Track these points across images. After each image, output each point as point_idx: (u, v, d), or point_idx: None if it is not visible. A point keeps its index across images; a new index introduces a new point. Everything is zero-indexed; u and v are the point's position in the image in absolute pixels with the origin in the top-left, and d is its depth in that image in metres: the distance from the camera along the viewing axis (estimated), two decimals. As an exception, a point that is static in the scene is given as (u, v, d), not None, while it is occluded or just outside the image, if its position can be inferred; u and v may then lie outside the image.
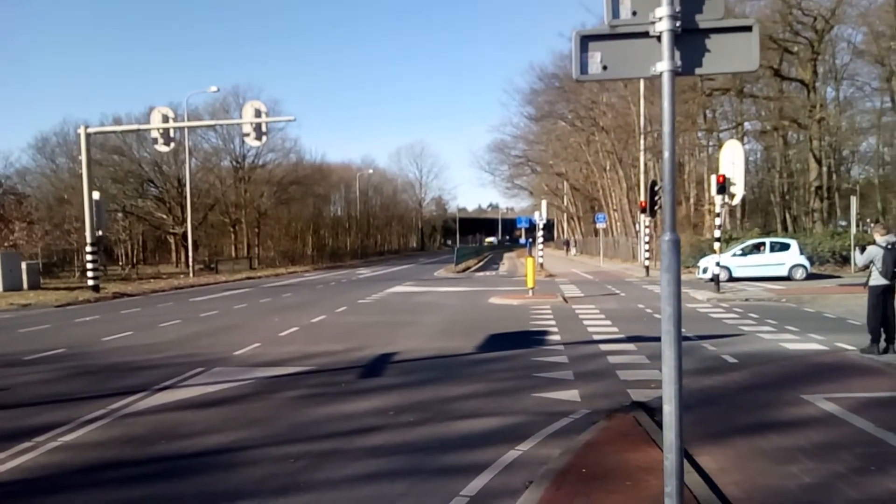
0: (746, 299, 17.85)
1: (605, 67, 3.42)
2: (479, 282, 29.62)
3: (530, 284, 19.61)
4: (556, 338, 11.95)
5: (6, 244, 34.82)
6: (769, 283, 22.44)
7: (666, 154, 3.24)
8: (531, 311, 16.41)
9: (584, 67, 3.41)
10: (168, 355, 10.96)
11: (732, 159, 18.22)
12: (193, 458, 5.70)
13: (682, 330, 11.72)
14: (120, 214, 58.90)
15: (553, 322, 14.11)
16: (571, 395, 7.67)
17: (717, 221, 19.81)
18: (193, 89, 79.52)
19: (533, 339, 11.92)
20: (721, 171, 18.32)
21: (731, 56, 3.39)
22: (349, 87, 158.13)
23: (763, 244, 25.29)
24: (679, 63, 3.33)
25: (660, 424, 6.43)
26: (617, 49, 3.43)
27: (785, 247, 24.94)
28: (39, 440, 6.18)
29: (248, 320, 16.01)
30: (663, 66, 3.31)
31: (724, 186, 18.01)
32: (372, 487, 4.90)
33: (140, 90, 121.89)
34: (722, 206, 18.70)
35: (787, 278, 23.76)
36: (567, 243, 79.33)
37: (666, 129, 3.25)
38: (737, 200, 18.37)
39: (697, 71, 3.43)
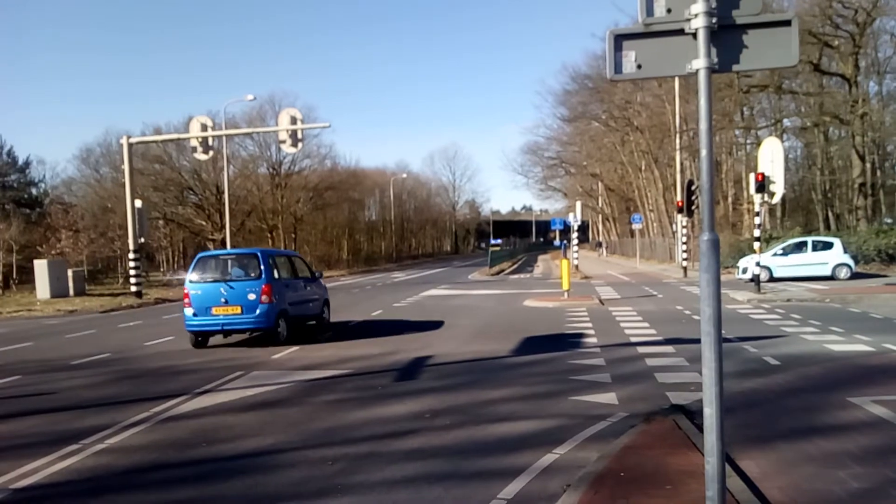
0: (788, 300, 17.44)
1: (639, 66, 3.38)
2: (514, 284, 29.52)
3: (565, 286, 19.48)
4: (593, 340, 11.83)
5: (53, 252, 35.85)
6: (812, 283, 21.90)
7: (703, 152, 3.19)
8: (567, 313, 16.28)
9: (618, 67, 3.38)
10: (208, 360, 11.16)
11: (772, 157, 17.85)
12: (233, 460, 5.78)
13: (723, 331, 11.55)
14: (161, 222, 60.27)
15: (589, 324, 13.98)
16: (609, 398, 7.59)
17: (757, 220, 19.39)
18: (231, 98, 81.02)
19: (569, 341, 11.83)
20: (760, 169, 17.95)
21: (769, 51, 3.32)
22: (383, 91, 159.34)
23: (805, 243, 24.70)
24: (715, 60, 3.28)
25: (700, 428, 6.32)
26: (651, 47, 3.39)
27: (828, 245, 24.31)
28: (86, 442, 6.34)
29: (285, 324, 16.18)
30: (699, 63, 3.26)
31: (763, 185, 17.65)
32: (409, 490, 4.91)
33: (179, 101, 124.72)
34: (761, 204, 18.33)
35: (831, 278, 23.15)
36: (599, 244, 78.65)
37: (703, 126, 3.19)
38: (776, 199, 17.98)
39: (735, 68, 3.37)
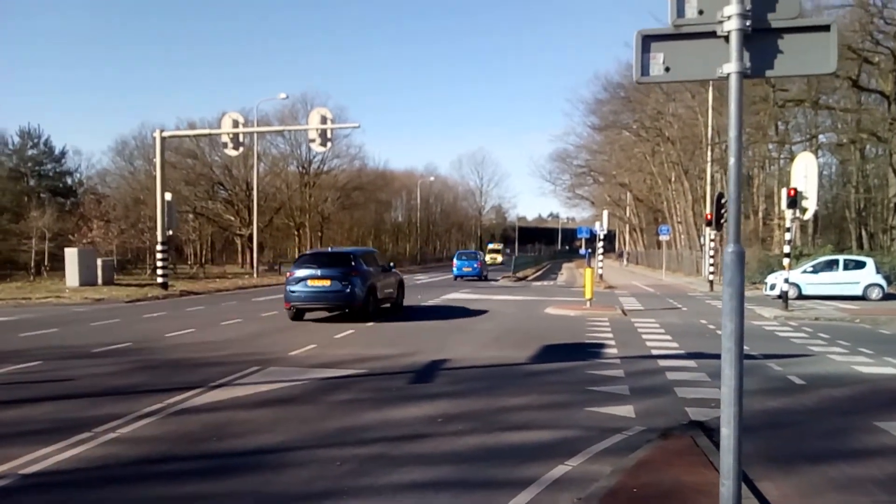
0: (816, 318, 17.03)
1: (667, 69, 3.26)
2: (536, 291, 29.31)
3: (588, 295, 19.25)
4: (613, 351, 11.64)
5: (84, 241, 36.49)
6: (842, 303, 21.37)
7: (731, 160, 3.06)
8: (588, 322, 16.08)
9: (645, 69, 3.26)
10: (226, 353, 11.19)
11: (805, 172, 17.46)
12: (242, 456, 5.75)
13: (746, 348, 11.19)
14: (191, 215, 61.11)
15: (610, 335, 13.77)
16: (626, 410, 7.42)
17: (787, 236, 18.96)
18: (264, 97, 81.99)
19: (589, 351, 11.65)
20: (793, 184, 17.57)
21: (805, 57, 3.18)
22: (414, 94, 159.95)
23: (836, 261, 24.15)
24: (748, 64, 3.15)
25: (718, 446, 6.15)
26: (681, 49, 3.26)
27: (860, 265, 23.73)
28: (98, 431, 6.36)
29: (306, 322, 16.23)
30: (731, 67, 3.13)
31: (795, 200, 17.27)
32: (415, 496, 4.82)
33: (214, 96, 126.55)
34: (793, 220, 17.92)
35: (862, 298, 22.59)
36: (621, 254, 77.99)
37: (732, 133, 3.06)
38: (808, 215, 17.57)
39: (768, 73, 3.24)
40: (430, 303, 22.14)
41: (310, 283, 16.01)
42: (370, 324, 15.54)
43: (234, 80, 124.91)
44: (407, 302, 20.37)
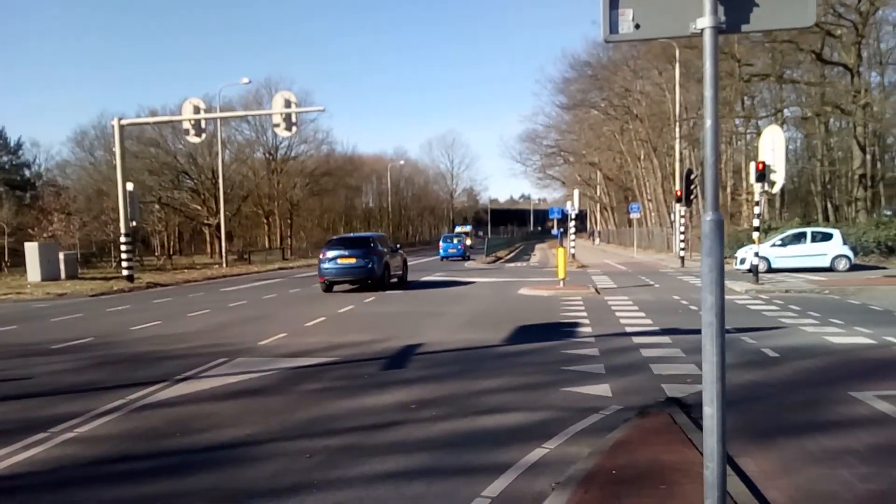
0: (787, 291, 17.19)
1: (637, 26, 3.06)
2: (510, 273, 29.25)
3: (561, 275, 19.19)
4: (588, 330, 11.56)
5: (45, 235, 35.49)
6: (810, 275, 21.65)
7: (708, 122, 2.88)
8: (562, 302, 16.01)
9: (613, 26, 3.06)
10: (193, 345, 10.87)
11: (773, 145, 17.52)
12: (207, 452, 5.51)
13: None
14: (157, 206, 59.83)
15: (584, 314, 13.71)
16: (602, 389, 7.31)
17: (757, 210, 19.07)
18: (226, 82, 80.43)
19: (563, 331, 11.55)
20: (761, 158, 17.63)
21: (783, 10, 2.99)
22: (381, 78, 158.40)
23: (804, 234, 24.42)
24: (723, 19, 2.96)
25: (697, 423, 6.06)
26: (651, 4, 3.06)
27: (827, 237, 24.04)
28: (54, 431, 6.06)
29: (276, 310, 15.93)
30: (705, 22, 2.94)
31: (763, 174, 17.33)
32: (388, 486, 4.64)
33: (177, 86, 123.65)
34: (761, 194, 17.99)
35: (830, 269, 22.90)
36: (592, 233, 78.44)
37: (708, 93, 2.88)
38: (777, 188, 17.66)
39: (744, 28, 3.05)
40: (401, 289, 21.89)
41: (339, 261, 20.06)
42: (387, 292, 19.88)
43: (196, 68, 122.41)
44: (375, 293, 20.18)
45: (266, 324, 13.32)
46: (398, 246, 24.11)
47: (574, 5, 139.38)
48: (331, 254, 20.20)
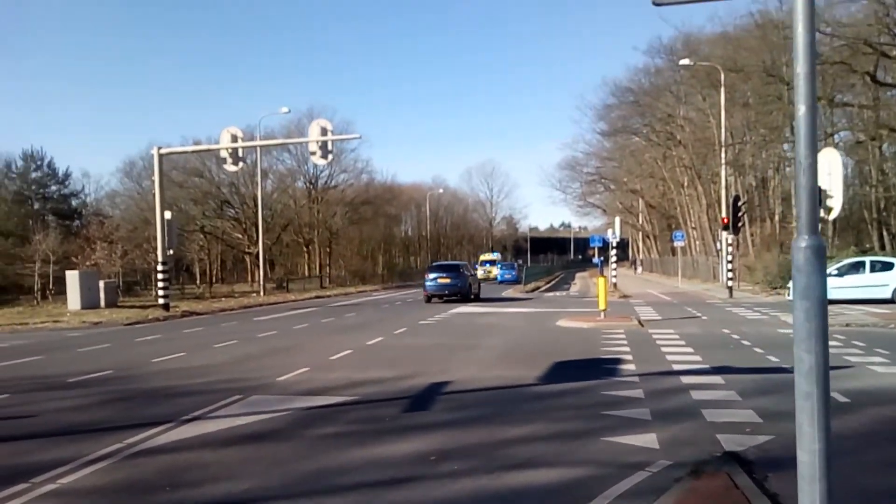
0: (847, 324, 15.98)
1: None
2: (548, 302, 28.31)
3: (602, 306, 18.26)
4: (631, 367, 10.67)
5: (88, 263, 35.97)
6: (871, 307, 20.26)
7: (802, 109, 2.20)
8: (602, 335, 15.11)
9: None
10: (210, 380, 10.35)
11: (829, 169, 16.26)
12: (195, 511, 4.87)
13: (775, 359, 10.04)
14: (200, 234, 60.64)
15: (627, 349, 12.80)
16: (648, 439, 6.47)
17: (812, 238, 17.94)
18: (266, 111, 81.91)
19: (603, 368, 10.69)
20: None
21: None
22: (420, 107, 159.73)
23: (862, 263, 23.04)
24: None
25: (760, 485, 5.19)
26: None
27: (888, 266, 22.60)
28: (36, 481, 5.50)
29: (303, 342, 15.41)
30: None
31: (819, 199, 16.23)
32: (392, 565, 3.91)
33: (221, 116, 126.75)
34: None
35: (891, 301, 21.44)
36: (634, 262, 76.70)
37: (801, 69, 2.19)
38: (834, 214, 16.20)
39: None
40: (436, 318, 21.22)
41: (439, 280, 28.47)
42: (470, 304, 26.89)
43: (240, 98, 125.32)
44: (409, 320, 19.53)
45: (291, 356, 12.76)
46: (473, 270, 33.84)
47: (613, 30, 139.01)
48: (432, 275, 28.68)
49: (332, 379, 10.10)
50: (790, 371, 9.89)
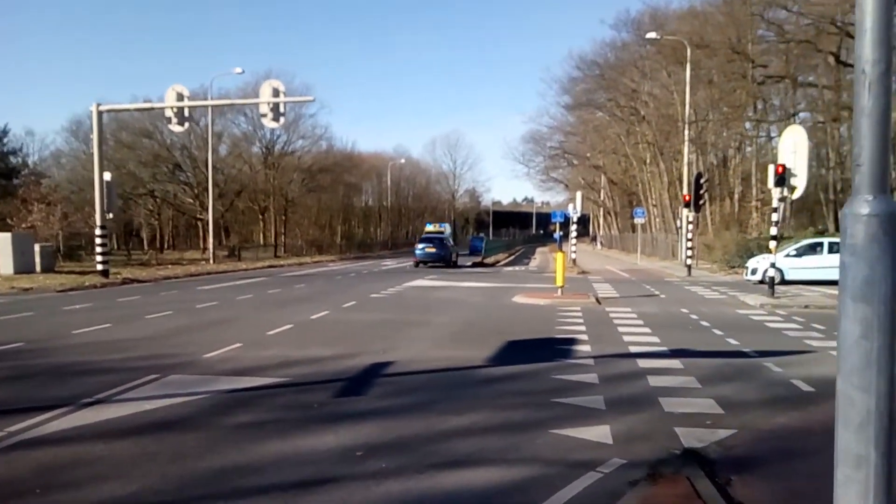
0: (806, 306, 15.72)
1: None
2: (506, 277, 27.76)
3: (559, 283, 17.71)
4: (586, 349, 10.09)
5: (24, 226, 34.06)
6: (828, 288, 20.16)
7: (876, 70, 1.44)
8: (559, 312, 14.55)
9: None
10: (129, 356, 9.41)
11: (794, 147, 16.03)
12: (62, 522, 4.05)
13: (735, 342, 9.33)
14: (149, 198, 58.32)
15: (583, 328, 12.24)
16: (601, 433, 5.85)
17: (775, 217, 17.51)
18: (219, 71, 79.04)
19: (557, 348, 10.09)
20: (781, 160, 16.16)
21: None
22: (383, 75, 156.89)
23: (820, 244, 22.94)
24: None
25: (724, 492, 4.60)
26: None
27: (845, 248, 22.57)
28: None
29: (243, 314, 14.49)
30: None
31: (783, 177, 15.86)
32: None
33: (175, 77, 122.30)
34: (780, 199, 16.50)
35: (848, 283, 21.42)
36: (594, 238, 77.04)
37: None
38: (798, 193, 16.15)
39: None
40: (389, 291, 20.45)
41: (426, 249, 33.89)
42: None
43: (196, 61, 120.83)
44: (360, 293, 18.71)
45: (225, 330, 11.85)
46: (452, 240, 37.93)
47: (583, 8, 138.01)
48: (421, 245, 34.40)
49: (264, 357, 9.26)
50: (750, 356, 9.49)
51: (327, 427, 5.97)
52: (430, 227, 55.54)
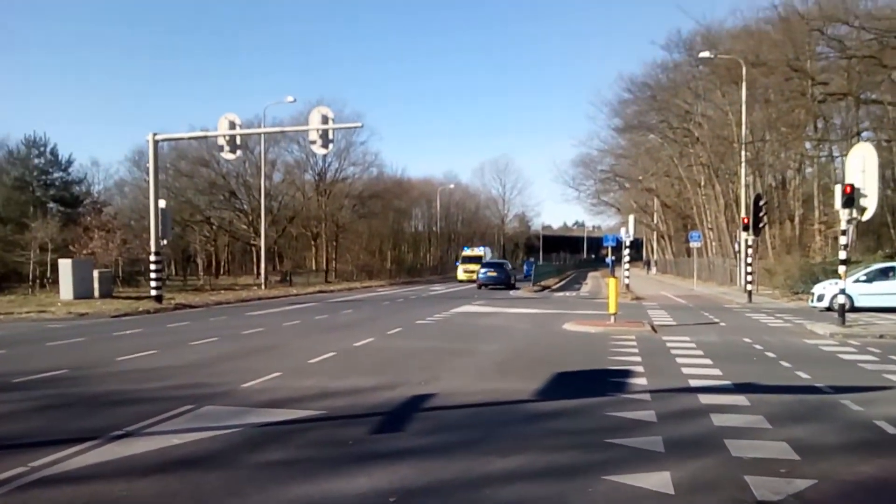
0: (881, 336, 14.60)
1: None
2: (556, 303, 27.05)
3: (612, 309, 17.00)
4: (642, 382, 9.44)
5: (84, 252, 35.10)
6: (903, 316, 18.84)
7: None
8: (612, 341, 13.88)
9: None
10: (167, 384, 9.24)
11: (863, 166, 15.08)
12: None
13: (807, 376, 8.45)
14: (205, 225, 59.77)
15: (638, 358, 11.56)
16: (661, 481, 5.25)
17: (843, 241, 16.43)
18: (271, 101, 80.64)
19: (611, 381, 9.47)
20: (848, 180, 15.21)
21: None
22: (433, 101, 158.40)
23: (892, 269, 21.56)
24: None
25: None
26: None
27: (919, 272, 21.15)
28: None
29: (288, 341, 14.30)
30: None
31: (852, 198, 14.91)
32: None
33: (231, 107, 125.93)
34: (849, 221, 15.50)
35: (925, 310, 20.00)
36: (647, 263, 75.22)
37: None
38: (868, 214, 15.15)
39: None
40: (436, 317, 20.04)
41: (488, 273, 39.22)
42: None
43: (252, 92, 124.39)
44: (406, 319, 18.36)
45: (267, 358, 11.62)
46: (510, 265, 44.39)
47: (632, 30, 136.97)
48: (483, 270, 39.85)
49: (302, 388, 8.95)
50: (825, 392, 8.68)
51: (361, 467, 5.55)
52: (467, 252, 55.14)
